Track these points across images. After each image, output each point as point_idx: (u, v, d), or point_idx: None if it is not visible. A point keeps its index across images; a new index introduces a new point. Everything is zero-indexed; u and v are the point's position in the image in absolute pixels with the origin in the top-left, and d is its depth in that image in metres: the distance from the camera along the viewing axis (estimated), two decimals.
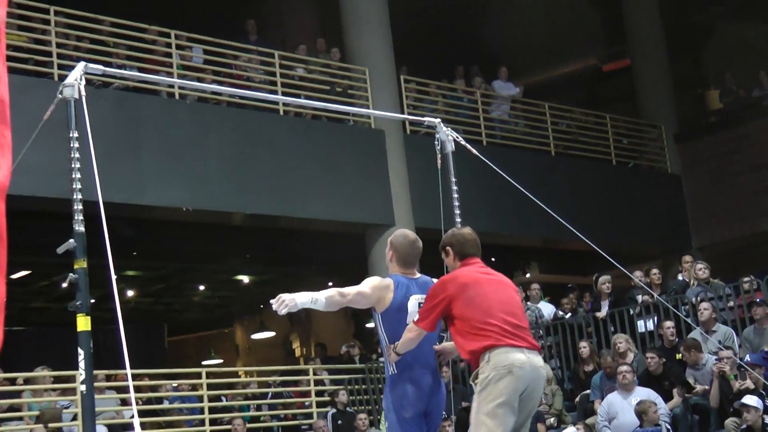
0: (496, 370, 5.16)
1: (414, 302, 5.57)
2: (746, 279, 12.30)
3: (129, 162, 13.12)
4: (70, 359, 5.23)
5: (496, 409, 5.13)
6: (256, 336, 24.88)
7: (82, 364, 4.24)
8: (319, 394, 14.67)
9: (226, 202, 14.15)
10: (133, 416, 13.22)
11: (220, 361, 25.09)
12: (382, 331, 5.62)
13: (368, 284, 5.64)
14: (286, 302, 5.32)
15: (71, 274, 4.43)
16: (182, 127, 13.77)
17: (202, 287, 22.69)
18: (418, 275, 5.75)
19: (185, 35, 14.71)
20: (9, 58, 12.72)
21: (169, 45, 14.31)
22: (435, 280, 5.64)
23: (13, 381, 12.68)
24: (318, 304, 5.45)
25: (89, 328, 4.34)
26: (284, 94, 14.36)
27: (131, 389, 4.32)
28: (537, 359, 5.36)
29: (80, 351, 4.26)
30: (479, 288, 5.41)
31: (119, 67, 13.77)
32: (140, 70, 13.92)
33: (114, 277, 4.34)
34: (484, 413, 5.16)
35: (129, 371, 4.22)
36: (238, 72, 15.06)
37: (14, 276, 18.97)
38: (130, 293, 21.40)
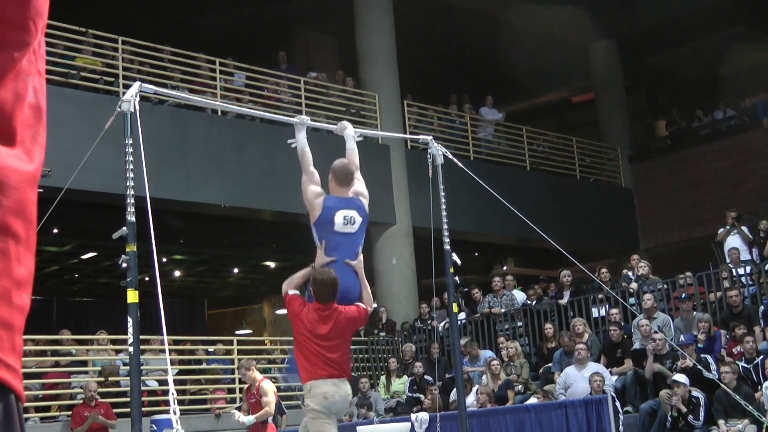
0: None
1: (340, 216, 5.60)
2: (681, 276, 12.36)
3: (178, 166, 13.19)
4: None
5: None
6: (279, 312, 24.92)
7: (130, 330, 4.30)
8: None
9: (257, 200, 14.21)
10: (176, 373, 13.40)
11: (250, 331, 25.13)
12: (316, 238, 5.66)
13: (310, 185, 5.69)
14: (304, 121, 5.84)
15: (124, 255, 4.47)
16: (222, 139, 13.83)
17: (236, 270, 22.73)
18: (351, 195, 5.74)
19: (228, 62, 14.78)
20: (85, 78, 12.83)
21: (213, 70, 14.38)
22: (363, 199, 5.72)
23: (81, 342, 12.81)
24: (303, 156, 5.79)
25: (137, 301, 4.40)
26: (307, 114, 14.41)
27: (167, 352, 4.38)
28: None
29: (129, 319, 4.32)
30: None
31: (173, 88, 13.86)
32: (190, 90, 14.02)
33: (157, 261, 4.38)
34: None
35: (165, 337, 4.27)
36: (269, 94, 15.12)
37: (84, 257, 19.07)
38: (177, 273, 21.44)
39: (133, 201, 4.52)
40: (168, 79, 13.89)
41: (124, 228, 4.46)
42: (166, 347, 4.35)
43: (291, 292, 5.56)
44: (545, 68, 22.12)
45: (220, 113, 14.02)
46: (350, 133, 6.09)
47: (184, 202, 13.56)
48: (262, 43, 18.80)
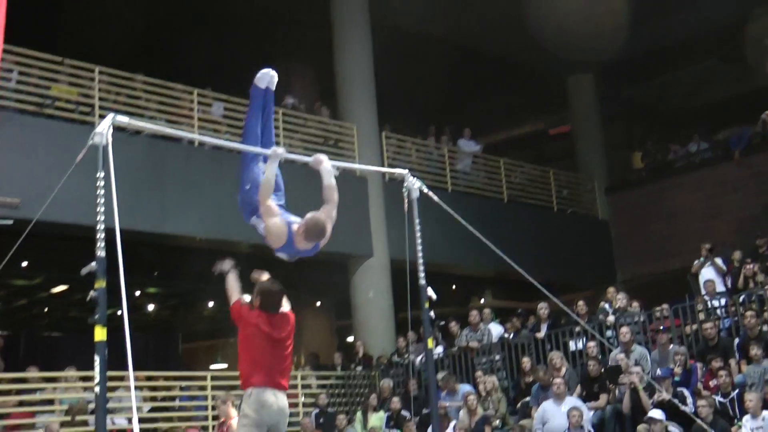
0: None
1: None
2: (657, 308, 12.38)
3: (154, 197, 13.10)
4: None
5: None
6: None
7: (97, 368, 4.24)
8: (307, 395, 14.60)
9: (233, 232, 14.06)
10: (149, 410, 13.22)
11: (225, 365, 24.92)
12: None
13: (274, 217, 5.57)
14: (279, 154, 5.61)
15: (92, 292, 4.42)
16: (199, 170, 13.76)
17: (211, 303, 22.59)
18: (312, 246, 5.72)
19: (207, 93, 14.75)
20: (60, 108, 12.76)
21: (191, 100, 14.34)
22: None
23: (48, 379, 12.56)
24: (268, 184, 5.58)
25: (105, 339, 4.34)
26: (285, 145, 14.37)
27: (132, 389, 4.32)
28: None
29: (96, 357, 4.26)
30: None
31: (150, 118, 13.82)
32: (167, 121, 13.97)
33: (128, 295, 4.32)
34: None
35: (131, 373, 4.21)
36: None
37: (55, 290, 18.85)
38: (151, 307, 21.27)
39: (103, 236, 4.46)
40: (145, 109, 13.84)
41: (93, 263, 4.40)
42: (132, 384, 4.28)
43: (242, 299, 5.75)
44: (523, 100, 22.29)
45: (197, 144, 13.97)
46: (327, 167, 5.79)
47: (158, 234, 13.46)
48: (241, 74, 18.77)
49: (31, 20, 15.66)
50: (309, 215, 5.48)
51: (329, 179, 5.76)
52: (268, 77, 5.88)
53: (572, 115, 21.91)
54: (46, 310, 20.74)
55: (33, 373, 12.31)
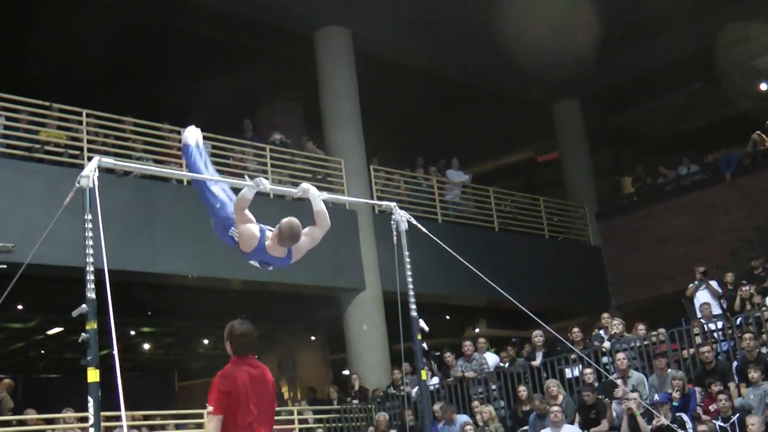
0: None
1: (255, 263, 5.71)
2: (653, 333, 12.36)
3: (145, 237, 13.12)
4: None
5: None
6: None
7: (91, 410, 4.24)
8: (303, 430, 14.55)
9: (225, 270, 14.09)
10: None
11: None
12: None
13: (245, 223, 5.56)
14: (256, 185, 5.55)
15: (83, 334, 4.43)
16: (189, 209, 13.72)
17: (206, 341, 22.54)
18: (286, 254, 5.71)
19: None
20: (50, 152, 12.81)
21: (179, 140, 14.39)
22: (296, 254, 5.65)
23: (46, 420, 12.49)
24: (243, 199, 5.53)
25: (98, 380, 4.33)
26: (274, 181, 14.41)
27: (125, 428, 4.30)
28: None
29: (89, 399, 4.26)
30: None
31: (138, 158, 13.87)
32: (156, 161, 14.03)
33: (123, 335, 4.34)
34: None
35: (123, 413, 4.20)
36: (235, 162, 15.14)
37: (50, 332, 18.81)
38: (146, 346, 21.21)
39: (93, 278, 4.48)
40: (133, 150, 13.90)
41: (84, 305, 4.42)
42: (124, 424, 4.27)
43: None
44: (510, 128, 22.40)
45: (186, 183, 14.01)
46: (315, 194, 5.85)
47: (150, 274, 13.47)
48: (227, 111, 18.89)
49: (16, 67, 15.79)
50: (284, 219, 5.50)
51: (319, 205, 5.81)
52: (196, 133, 6.04)
53: (560, 142, 22.02)
54: (42, 352, 20.68)
55: (31, 415, 12.27)
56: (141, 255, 12.96)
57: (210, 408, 4.83)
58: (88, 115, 13.38)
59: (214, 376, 4.99)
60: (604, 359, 12.31)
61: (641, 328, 12.77)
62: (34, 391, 19.44)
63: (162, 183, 13.76)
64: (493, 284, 6.34)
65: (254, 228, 5.57)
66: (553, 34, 16.72)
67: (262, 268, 5.74)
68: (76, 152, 13.06)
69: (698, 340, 11.78)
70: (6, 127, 12.73)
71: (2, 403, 12.93)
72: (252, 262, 5.68)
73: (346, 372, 17.78)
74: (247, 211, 5.54)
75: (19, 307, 15.98)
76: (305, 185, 5.93)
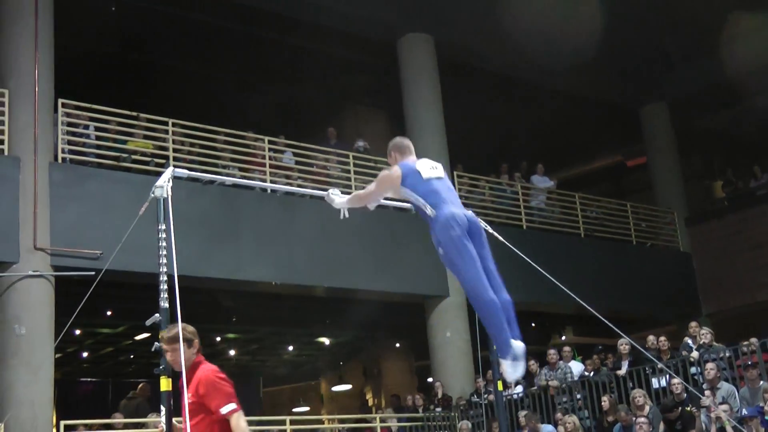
0: None
1: (423, 165, 5.46)
2: (745, 343, 11.98)
3: (229, 244, 13.31)
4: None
5: None
6: (336, 388, 24.80)
7: (163, 418, 4.31)
8: None
9: (309, 277, 14.25)
10: None
11: (307, 408, 25.03)
12: (415, 196, 5.45)
13: (377, 180, 5.58)
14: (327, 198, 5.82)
15: (156, 342, 4.52)
16: (273, 216, 13.95)
17: (290, 347, 22.76)
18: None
19: (278, 140, 15.01)
20: (137, 161, 13.13)
21: (263, 148, 14.59)
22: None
23: (135, 425, 12.71)
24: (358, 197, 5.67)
25: (170, 389, 4.39)
26: (357, 188, 14.49)
27: None
28: None
29: (162, 408, 4.33)
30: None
31: (224, 167, 14.12)
32: (240, 169, 14.25)
33: (181, 341, 4.35)
34: None
35: (187, 421, 4.21)
36: (318, 170, 15.27)
37: (138, 337, 19.26)
38: (232, 352, 21.51)
39: (166, 287, 4.58)
40: (218, 159, 14.15)
41: (157, 314, 4.52)
42: (186, 425, 4.25)
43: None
44: (596, 133, 22.09)
45: (269, 191, 14.19)
46: (342, 202, 5.98)
47: (235, 281, 13.66)
48: (312, 119, 19.10)
49: (106, 79, 16.25)
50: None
51: (344, 204, 6.00)
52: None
53: (648, 146, 21.62)
54: (131, 357, 21.19)
55: (119, 419, 12.55)
56: (226, 262, 13.18)
57: (234, 406, 4.83)
58: (173, 125, 13.66)
59: (209, 376, 4.77)
60: (692, 369, 12.01)
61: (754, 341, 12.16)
62: (124, 395, 19.95)
63: (246, 191, 13.95)
64: (570, 293, 6.26)
65: (385, 172, 5.56)
66: (641, 37, 16.45)
67: (434, 168, 5.50)
68: (162, 161, 13.34)
69: None
70: (96, 138, 13.10)
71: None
72: (419, 165, 5.44)
73: (430, 379, 17.76)
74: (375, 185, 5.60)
75: (108, 312, 16.40)
76: (328, 197, 6.09)
